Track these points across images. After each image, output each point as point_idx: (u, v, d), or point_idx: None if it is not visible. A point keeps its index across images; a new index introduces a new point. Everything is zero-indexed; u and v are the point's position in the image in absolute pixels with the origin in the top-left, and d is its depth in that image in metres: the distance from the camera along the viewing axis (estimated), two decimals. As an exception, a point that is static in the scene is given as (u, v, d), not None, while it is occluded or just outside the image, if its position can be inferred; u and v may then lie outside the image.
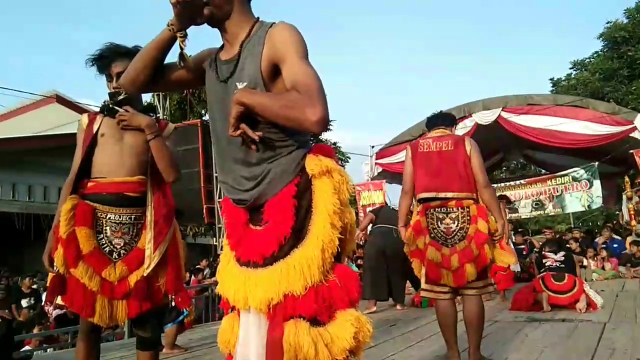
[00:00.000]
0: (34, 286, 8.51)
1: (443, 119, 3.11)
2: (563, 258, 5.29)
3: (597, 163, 10.21)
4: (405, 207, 3.05)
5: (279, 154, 1.33)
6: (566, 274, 4.95)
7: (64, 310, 6.51)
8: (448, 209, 2.81)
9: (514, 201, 10.88)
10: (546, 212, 11.35)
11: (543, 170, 13.97)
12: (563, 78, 21.13)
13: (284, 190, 1.32)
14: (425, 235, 2.83)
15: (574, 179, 10.58)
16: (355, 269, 7.88)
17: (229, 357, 1.42)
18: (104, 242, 2.07)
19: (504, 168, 19.76)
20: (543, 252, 5.58)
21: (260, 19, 1.41)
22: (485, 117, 10.07)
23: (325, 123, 1.20)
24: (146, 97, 10.28)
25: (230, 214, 1.43)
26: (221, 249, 1.51)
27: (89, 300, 2.00)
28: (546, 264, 5.31)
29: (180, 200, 4.59)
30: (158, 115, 2.61)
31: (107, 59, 2.14)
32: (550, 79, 21.87)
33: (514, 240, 8.47)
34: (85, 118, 2.23)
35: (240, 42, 1.37)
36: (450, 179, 2.82)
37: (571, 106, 9.59)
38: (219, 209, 7.61)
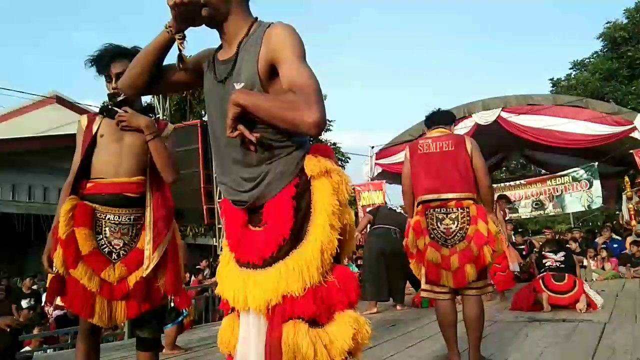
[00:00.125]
0: (34, 287, 8.51)
1: (442, 118, 3.10)
2: (563, 258, 5.28)
3: (597, 163, 10.21)
4: (409, 203, 3.05)
5: (277, 155, 1.33)
6: (566, 274, 4.95)
7: (64, 311, 6.51)
8: (448, 210, 2.80)
9: (514, 201, 10.88)
10: (546, 212, 11.35)
11: (543, 171, 13.97)
12: (563, 78, 21.16)
13: (283, 191, 1.32)
14: (425, 235, 2.83)
15: (574, 179, 10.58)
16: (355, 269, 7.88)
17: (229, 357, 1.42)
18: (103, 243, 2.07)
19: (504, 168, 19.77)
20: (543, 253, 5.58)
21: (258, 19, 1.41)
22: (485, 117, 10.07)
23: (322, 125, 1.19)
24: (146, 98, 10.28)
25: (229, 215, 1.43)
26: (221, 250, 1.51)
27: (89, 301, 2.00)
28: (546, 264, 5.31)
29: (180, 200, 4.58)
30: (157, 115, 2.61)
31: (106, 60, 2.15)
32: (550, 79, 21.95)
33: (514, 241, 8.48)
34: (84, 119, 2.23)
35: (238, 42, 1.36)
36: (451, 179, 2.81)
37: (571, 106, 9.59)
38: (218, 209, 7.61)
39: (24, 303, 7.75)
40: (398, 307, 5.74)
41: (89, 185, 2.12)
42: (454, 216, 2.79)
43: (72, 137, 2.29)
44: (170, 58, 1.44)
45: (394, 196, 12.06)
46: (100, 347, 2.30)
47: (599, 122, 9.14)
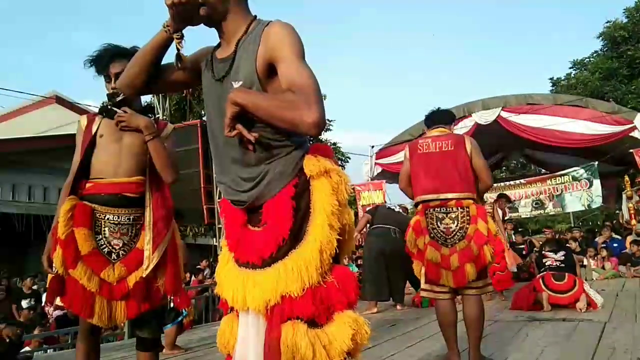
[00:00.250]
0: (35, 287, 8.51)
1: (442, 117, 3.10)
2: (563, 257, 5.28)
3: (597, 162, 10.22)
4: (410, 193, 3.04)
5: (277, 155, 1.32)
6: (566, 274, 4.95)
7: (65, 311, 6.51)
8: (448, 209, 2.80)
9: (514, 201, 10.89)
10: (546, 211, 11.36)
11: (543, 170, 13.98)
12: (563, 77, 21.15)
13: (282, 191, 1.31)
14: (425, 235, 2.83)
15: (574, 179, 10.59)
16: (355, 269, 7.88)
17: (228, 357, 1.42)
18: (102, 243, 2.07)
19: (504, 168, 19.77)
20: (543, 252, 5.58)
21: (257, 17, 1.40)
22: (484, 117, 10.06)
23: (321, 125, 1.18)
24: (146, 98, 10.29)
25: (228, 215, 1.42)
26: (221, 250, 1.50)
27: (88, 301, 2.00)
28: (546, 264, 5.31)
29: (180, 200, 4.58)
30: (157, 115, 2.61)
31: (105, 60, 2.14)
32: (550, 79, 21.94)
33: (514, 240, 8.48)
34: (84, 119, 2.23)
35: (237, 40, 1.35)
36: (450, 179, 2.81)
37: (571, 106, 9.59)
38: (218, 209, 7.61)
39: (24, 303, 7.75)
40: (398, 307, 5.74)
41: (88, 185, 2.11)
42: (453, 216, 2.79)
43: (72, 137, 2.29)
44: (169, 57, 1.44)
45: (394, 196, 12.09)
46: (101, 347, 2.30)
47: (599, 122, 9.14)
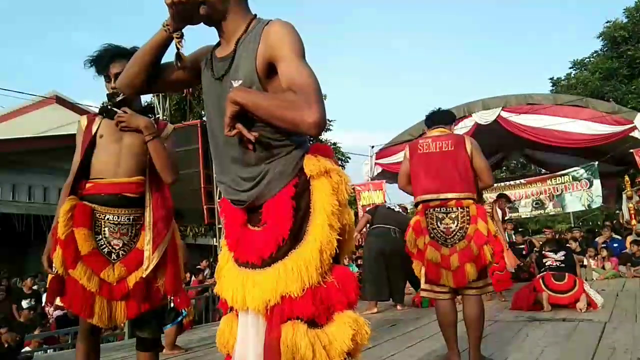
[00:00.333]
0: (35, 287, 8.51)
1: (442, 117, 3.10)
2: (563, 257, 5.28)
3: (597, 162, 10.22)
4: (410, 192, 3.04)
5: (277, 155, 1.32)
6: (566, 274, 4.95)
7: (65, 311, 6.52)
8: (448, 209, 2.80)
9: (514, 201, 10.89)
10: (546, 211, 11.36)
11: (543, 170, 13.98)
12: (563, 77, 21.17)
13: (283, 191, 1.31)
14: (425, 235, 2.83)
15: (574, 179, 10.59)
16: (355, 269, 7.88)
17: (228, 357, 1.41)
18: (102, 243, 2.07)
19: (504, 168, 19.78)
20: (543, 252, 5.58)
21: (257, 16, 1.39)
22: (485, 117, 10.07)
23: (322, 125, 1.18)
24: (146, 98, 10.31)
25: (228, 214, 1.42)
26: (221, 250, 1.50)
27: (88, 301, 2.00)
28: (546, 264, 5.30)
29: (180, 200, 4.58)
30: (157, 116, 2.61)
31: (105, 60, 2.14)
32: (550, 79, 21.97)
33: (514, 240, 8.48)
34: (84, 119, 2.23)
35: (236, 39, 1.35)
36: (450, 179, 2.81)
37: (571, 106, 9.59)
38: (218, 209, 7.61)
39: (25, 303, 7.75)
40: (398, 307, 5.74)
41: (88, 185, 2.11)
42: (453, 215, 2.79)
43: (72, 137, 2.29)
44: (168, 56, 1.43)
45: (394, 196, 12.09)
46: (101, 347, 2.30)
47: (599, 122, 9.14)
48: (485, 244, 2.71)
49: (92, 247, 2.03)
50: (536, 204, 11.22)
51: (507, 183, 11.98)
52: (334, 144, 20.00)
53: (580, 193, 10.51)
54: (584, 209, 11.21)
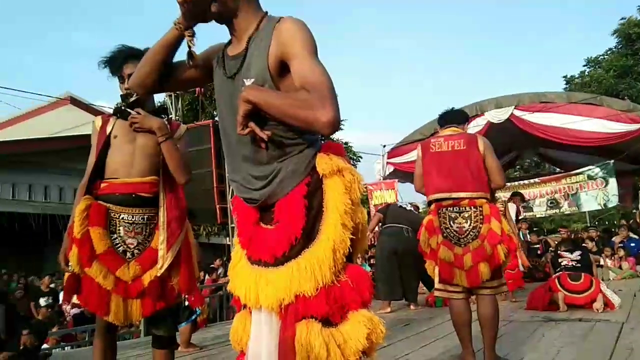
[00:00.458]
0: (52, 285, 8.64)
1: (455, 117, 3.08)
2: (579, 257, 5.21)
3: (612, 161, 10.07)
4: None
5: (289, 153, 1.31)
6: (582, 274, 4.88)
7: (82, 309, 6.60)
8: (461, 209, 2.78)
9: (529, 200, 10.78)
10: (561, 210, 11.23)
11: (557, 169, 13.81)
12: (577, 75, 20.93)
13: (295, 189, 1.30)
14: (438, 234, 2.82)
15: (590, 177, 10.45)
16: (368, 269, 7.86)
17: (242, 354, 1.42)
18: (117, 242, 2.10)
19: (518, 167, 19.57)
20: (559, 252, 5.51)
21: (268, 14, 1.39)
22: (497, 116, 9.97)
23: (336, 124, 1.17)
24: (159, 98, 10.38)
25: (240, 213, 1.42)
26: (234, 248, 1.50)
27: (104, 299, 2.03)
28: (562, 264, 5.24)
29: (193, 200, 4.61)
30: (170, 116, 2.63)
31: (119, 61, 2.17)
32: (564, 77, 21.73)
33: (529, 239, 8.39)
34: (98, 120, 2.26)
35: (248, 37, 1.34)
36: (463, 179, 2.79)
37: (585, 104, 9.45)
38: (231, 208, 7.64)
39: (42, 301, 7.87)
40: (411, 307, 5.72)
41: (103, 185, 2.14)
42: (467, 215, 2.77)
43: (87, 138, 2.32)
44: (180, 55, 1.43)
45: (406, 195, 12.05)
46: (117, 344, 2.32)
47: (614, 120, 9.01)
48: (499, 244, 2.69)
49: (108, 246, 2.05)
50: (551, 203, 11.10)
51: (522, 182, 11.85)
52: (346, 143, 19.96)
53: (596, 192, 10.37)
54: (599, 208, 11.05)
